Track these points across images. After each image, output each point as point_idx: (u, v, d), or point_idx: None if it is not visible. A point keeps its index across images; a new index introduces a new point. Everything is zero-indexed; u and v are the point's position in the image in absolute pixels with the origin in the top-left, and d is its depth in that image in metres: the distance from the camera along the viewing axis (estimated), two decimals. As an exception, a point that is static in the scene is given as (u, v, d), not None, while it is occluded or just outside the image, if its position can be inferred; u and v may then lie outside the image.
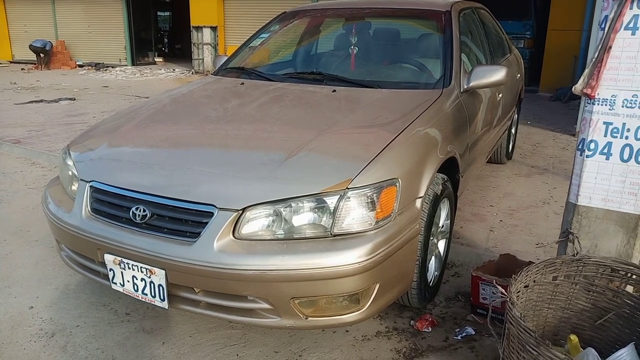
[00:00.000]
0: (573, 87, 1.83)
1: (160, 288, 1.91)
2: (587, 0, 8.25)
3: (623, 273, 1.77)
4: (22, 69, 13.48)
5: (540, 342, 1.43)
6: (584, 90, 1.79)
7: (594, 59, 1.77)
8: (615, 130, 1.79)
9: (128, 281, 1.99)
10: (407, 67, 3.19)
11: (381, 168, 1.95)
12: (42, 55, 13.53)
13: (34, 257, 2.98)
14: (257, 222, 1.86)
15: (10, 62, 15.53)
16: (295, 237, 1.85)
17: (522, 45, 8.98)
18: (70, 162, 2.32)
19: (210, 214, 1.85)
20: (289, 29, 3.78)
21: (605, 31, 1.74)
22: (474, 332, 2.24)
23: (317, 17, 3.85)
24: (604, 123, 1.80)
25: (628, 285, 1.79)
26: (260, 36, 3.71)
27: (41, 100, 8.18)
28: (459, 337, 2.22)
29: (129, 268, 1.95)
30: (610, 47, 1.74)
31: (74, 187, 2.24)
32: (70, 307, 2.46)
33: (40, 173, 4.63)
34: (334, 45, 3.63)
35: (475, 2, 4.05)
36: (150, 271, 1.90)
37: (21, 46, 15.42)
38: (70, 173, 2.30)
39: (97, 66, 13.82)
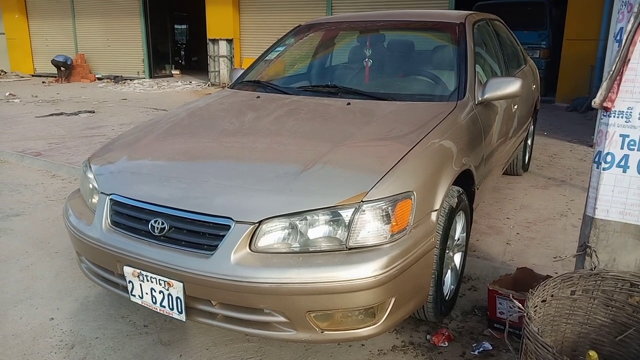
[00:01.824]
0: (592, 102, 1.82)
1: (178, 300, 1.94)
2: (604, 9, 8.18)
3: (643, 288, 1.75)
4: (43, 82, 13.79)
5: (558, 358, 1.42)
6: (604, 104, 1.78)
7: (612, 72, 1.76)
8: (632, 142, 1.77)
9: (147, 293, 2.02)
10: (421, 79, 3.20)
11: (396, 181, 1.96)
12: (63, 69, 13.83)
13: (55, 268, 3.03)
14: (273, 235, 1.88)
15: (32, 76, 15.90)
16: (311, 250, 1.86)
17: (538, 56, 8.93)
18: (90, 175, 2.37)
19: (227, 227, 1.88)
20: (304, 42, 3.83)
21: (623, 44, 1.73)
22: (491, 347, 2.22)
23: (332, 30, 3.89)
24: (620, 135, 1.78)
25: (648, 301, 1.76)
26: (276, 49, 3.76)
27: (61, 113, 8.35)
28: (475, 352, 2.20)
29: (148, 280, 1.98)
30: (629, 60, 1.73)
31: (95, 200, 2.29)
32: (90, 318, 2.50)
33: (61, 185, 4.72)
34: (348, 58, 3.66)
35: (490, 14, 4.06)
36: (168, 284, 1.93)
37: (42, 60, 15.81)
38: (90, 186, 2.35)
39: (116, 79, 14.08)
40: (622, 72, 1.74)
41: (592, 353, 1.67)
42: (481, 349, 2.21)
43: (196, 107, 3.06)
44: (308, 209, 1.86)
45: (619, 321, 1.81)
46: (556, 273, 2.10)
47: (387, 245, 1.87)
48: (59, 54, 13.86)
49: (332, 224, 1.87)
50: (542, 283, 1.77)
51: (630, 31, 1.71)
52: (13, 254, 3.23)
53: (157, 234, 1.99)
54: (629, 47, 1.71)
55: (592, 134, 5.99)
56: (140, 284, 2.01)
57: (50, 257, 3.19)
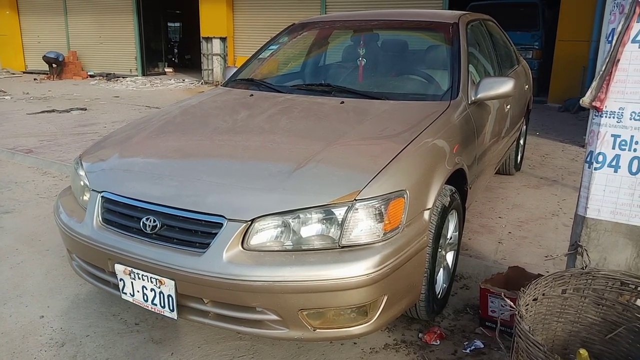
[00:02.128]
0: (581, 100, 1.83)
1: (170, 298, 1.93)
2: (596, 11, 8.24)
3: (633, 287, 1.76)
4: (34, 79, 13.67)
5: (549, 356, 1.42)
6: (593, 104, 1.79)
7: (602, 72, 1.77)
8: (623, 142, 1.78)
9: (138, 291, 2.00)
10: (414, 78, 3.21)
11: (389, 180, 1.96)
12: (54, 65, 13.72)
13: (45, 266, 3.01)
14: (265, 233, 1.87)
15: (24, 73, 15.75)
16: (304, 248, 1.86)
17: (530, 56, 8.98)
18: (82, 173, 2.36)
19: (220, 225, 1.87)
20: (297, 41, 3.82)
21: (613, 44, 1.74)
22: (482, 346, 2.23)
23: (326, 29, 3.88)
24: (612, 135, 1.80)
25: (638, 299, 1.77)
26: (269, 48, 3.75)
27: (53, 110, 8.28)
28: (467, 351, 2.21)
29: (139, 278, 1.97)
30: (619, 60, 1.74)
31: (86, 198, 2.27)
32: (81, 316, 2.48)
33: (52, 183, 4.69)
34: (342, 56, 3.66)
35: (483, 14, 4.08)
36: (159, 281, 1.92)
37: (34, 57, 15.67)
38: (82, 183, 2.34)
39: (108, 76, 13.98)
40: (612, 72, 1.75)
41: (583, 351, 1.68)
42: (473, 347, 2.22)
43: (189, 105, 3.04)
44: (301, 207, 1.86)
45: (609, 320, 1.82)
46: (547, 272, 2.11)
47: (380, 243, 1.87)
48: (51, 50, 13.75)
49: (325, 223, 1.87)
50: (533, 282, 1.78)
51: (620, 32, 1.72)
52: (3, 252, 3.20)
53: (148, 232, 1.97)
54: (619, 47, 1.73)
55: (584, 134, 6.03)
56: (132, 282, 2.00)
57: (40, 254, 3.17)
